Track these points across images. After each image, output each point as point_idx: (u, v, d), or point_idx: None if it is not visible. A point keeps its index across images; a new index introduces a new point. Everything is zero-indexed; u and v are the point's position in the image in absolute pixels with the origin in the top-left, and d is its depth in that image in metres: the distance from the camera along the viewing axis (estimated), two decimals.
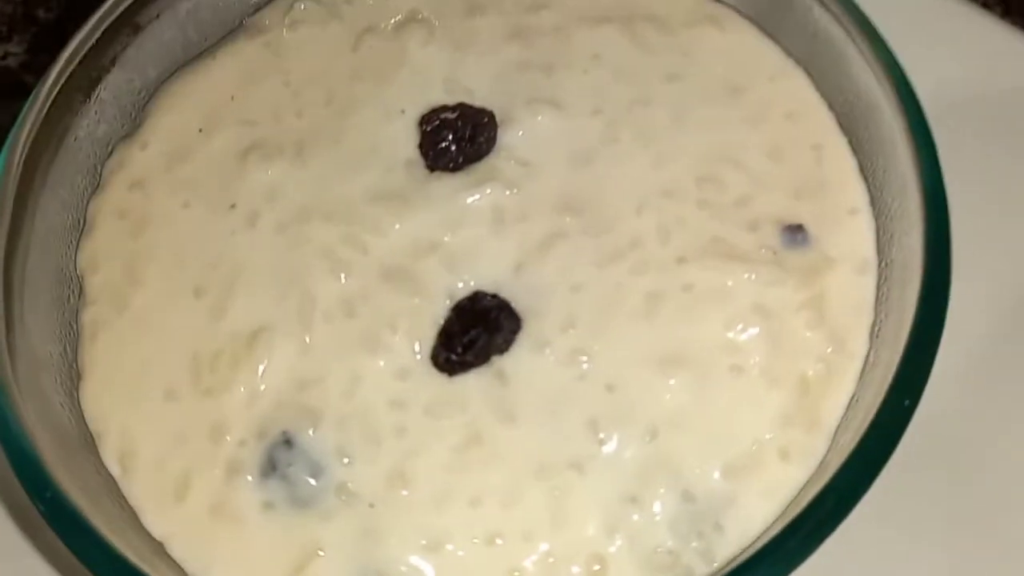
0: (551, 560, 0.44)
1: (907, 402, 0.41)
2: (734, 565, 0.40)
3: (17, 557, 0.53)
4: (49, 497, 0.42)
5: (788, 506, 0.44)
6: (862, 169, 0.52)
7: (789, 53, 0.55)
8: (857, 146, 0.52)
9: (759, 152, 0.53)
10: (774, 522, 0.44)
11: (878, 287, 0.49)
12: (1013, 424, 0.56)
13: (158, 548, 0.46)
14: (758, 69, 0.55)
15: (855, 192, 0.52)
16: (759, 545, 0.40)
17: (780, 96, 0.54)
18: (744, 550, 0.43)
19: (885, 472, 0.48)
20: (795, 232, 0.50)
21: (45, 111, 0.50)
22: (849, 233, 0.51)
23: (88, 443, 0.48)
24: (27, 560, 0.53)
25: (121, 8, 0.53)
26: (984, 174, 0.61)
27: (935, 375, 0.52)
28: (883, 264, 0.50)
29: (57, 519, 0.41)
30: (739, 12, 0.56)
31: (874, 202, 0.51)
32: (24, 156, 0.49)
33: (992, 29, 0.68)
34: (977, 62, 0.66)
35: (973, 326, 0.57)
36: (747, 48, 0.56)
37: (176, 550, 0.46)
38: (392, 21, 0.57)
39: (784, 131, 0.54)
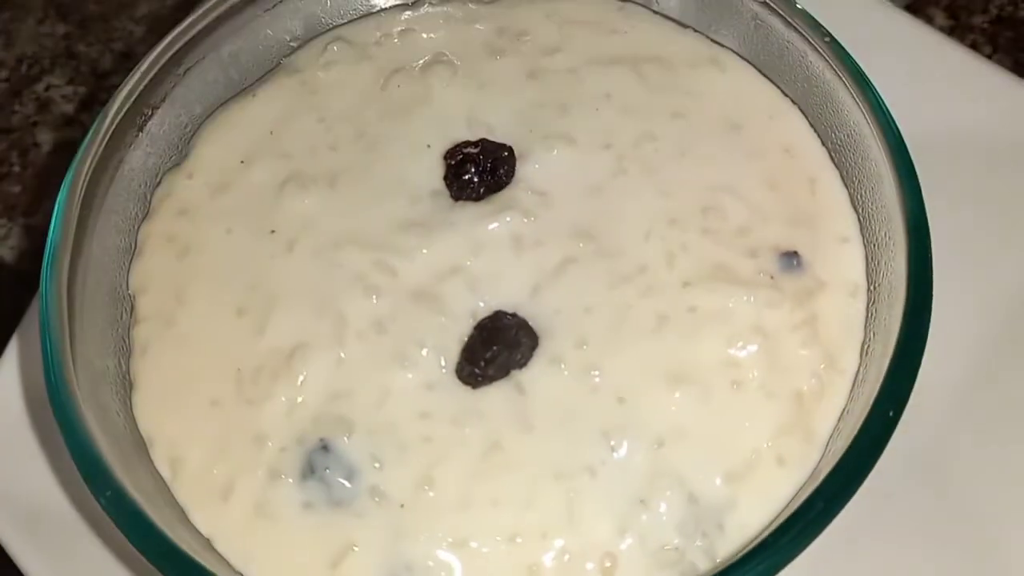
0: (567, 557, 0.48)
1: (891, 412, 0.45)
2: (731, 561, 0.43)
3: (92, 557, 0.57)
4: (109, 494, 0.45)
5: (784, 508, 0.48)
6: (852, 200, 0.56)
7: (785, 93, 0.59)
8: (848, 179, 0.56)
9: (758, 184, 0.57)
10: (771, 522, 0.47)
11: (867, 308, 0.53)
12: (996, 435, 0.59)
13: (206, 543, 0.49)
14: (757, 107, 0.59)
15: (846, 221, 0.56)
16: (755, 543, 0.44)
17: (777, 132, 0.58)
18: (743, 548, 0.46)
19: (877, 482, 0.52)
20: (791, 258, 0.54)
21: (103, 144, 0.54)
22: (841, 259, 0.55)
23: (141, 448, 0.52)
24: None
25: (172, 51, 0.57)
26: (967, 205, 0.65)
27: (923, 389, 0.57)
28: (872, 287, 0.53)
29: (118, 513, 0.45)
30: (739, 55, 0.61)
31: (863, 231, 0.55)
32: (85, 185, 0.53)
33: (978, 69, 0.71)
34: (964, 100, 0.69)
35: (959, 341, 0.61)
36: (746, 88, 0.60)
37: (221, 546, 0.49)
38: (419, 62, 0.61)
39: (781, 165, 0.58)
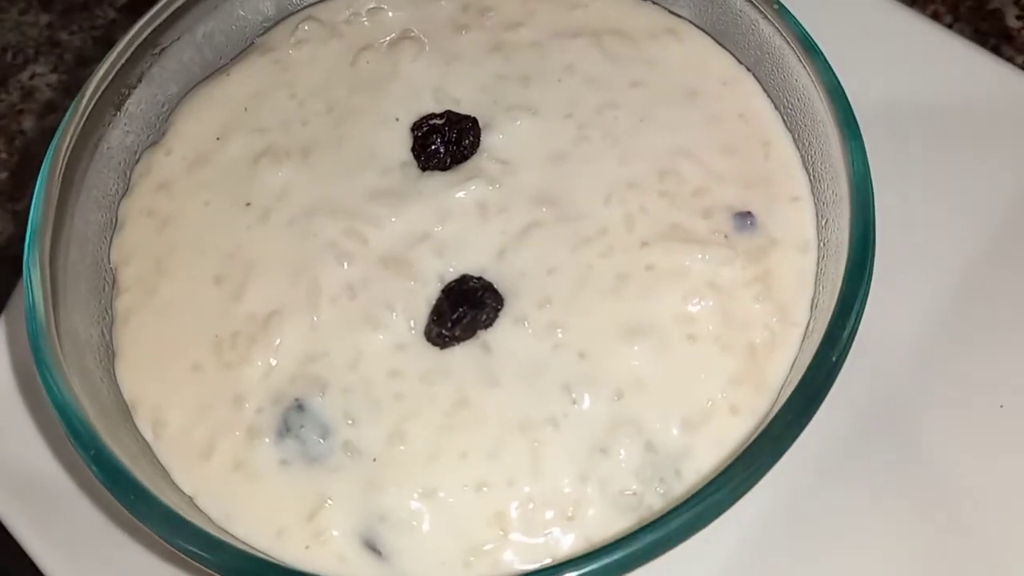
0: (531, 504, 0.50)
1: (834, 358, 0.47)
2: (681, 500, 0.45)
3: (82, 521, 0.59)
4: (94, 453, 0.48)
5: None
6: (804, 161, 0.58)
7: (740, 60, 0.62)
8: (799, 141, 0.58)
9: (714, 148, 0.59)
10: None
11: (817, 264, 0.55)
12: (952, 387, 0.62)
13: (189, 501, 0.52)
14: (713, 75, 0.61)
15: (798, 182, 0.58)
16: (705, 483, 0.46)
17: (732, 99, 0.61)
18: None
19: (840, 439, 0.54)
20: (745, 218, 0.57)
21: (82, 124, 0.56)
22: (792, 218, 0.57)
23: (124, 413, 0.54)
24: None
25: (147, 32, 0.59)
26: (929, 169, 0.67)
27: (879, 347, 0.59)
28: (821, 244, 0.56)
29: (103, 471, 0.47)
30: (695, 25, 0.63)
31: (814, 190, 0.57)
32: (64, 164, 0.55)
33: (939, 38, 0.72)
34: (924, 69, 0.71)
35: (914, 301, 0.63)
36: (702, 56, 0.62)
37: (204, 502, 0.52)
38: (386, 39, 0.64)
39: (736, 129, 0.60)
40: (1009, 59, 0.79)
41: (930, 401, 0.61)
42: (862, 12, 0.73)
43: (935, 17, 0.87)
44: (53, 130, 0.88)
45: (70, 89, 0.91)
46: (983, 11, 0.88)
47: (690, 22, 0.63)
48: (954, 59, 0.71)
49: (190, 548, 0.45)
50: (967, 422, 0.61)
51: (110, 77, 0.58)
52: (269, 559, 0.46)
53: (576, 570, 0.43)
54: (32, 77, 0.93)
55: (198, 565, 0.45)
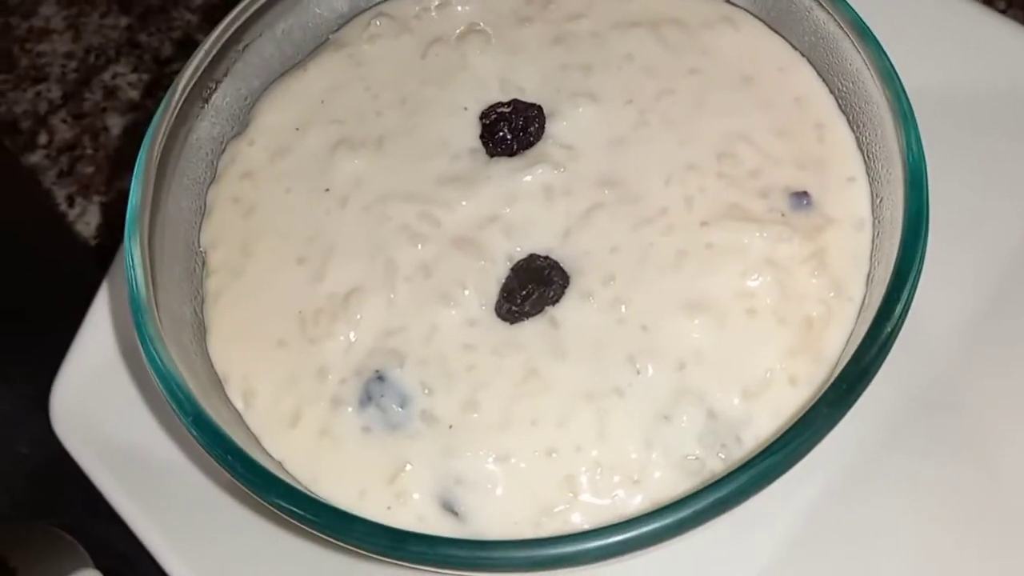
0: (599, 468, 0.53)
1: (889, 329, 0.50)
2: (744, 461, 0.48)
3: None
4: (193, 419, 0.52)
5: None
6: (858, 143, 0.60)
7: (794, 46, 0.64)
8: (853, 123, 0.60)
9: (769, 131, 0.61)
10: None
11: (872, 241, 0.57)
12: (1001, 365, 0.63)
13: (278, 466, 0.55)
14: (768, 61, 0.63)
15: (853, 163, 0.60)
16: (765, 446, 0.48)
17: (787, 83, 0.63)
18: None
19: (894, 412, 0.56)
20: (801, 197, 0.59)
21: (174, 116, 0.60)
22: (847, 197, 0.59)
23: (217, 385, 0.58)
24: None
25: (232, 30, 0.63)
26: (978, 152, 0.69)
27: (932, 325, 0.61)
28: (876, 221, 0.58)
29: (204, 434, 0.51)
30: (750, 12, 0.65)
31: (868, 170, 0.59)
32: (159, 153, 0.59)
33: (991, 23, 0.74)
34: (977, 54, 0.72)
35: (964, 280, 0.65)
36: (758, 43, 0.64)
37: (291, 467, 0.55)
38: (455, 32, 0.67)
39: (791, 113, 0.62)
40: None
41: (980, 381, 0.63)
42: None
43: (988, 2, 0.88)
44: (136, 127, 0.94)
45: (150, 88, 0.97)
46: None
47: (745, 10, 0.65)
48: (1007, 44, 0.72)
49: (283, 504, 0.49)
50: (1016, 401, 0.62)
51: (199, 73, 0.62)
52: (356, 514, 0.49)
53: (642, 527, 0.46)
54: (114, 77, 0.98)
55: (291, 520, 0.49)
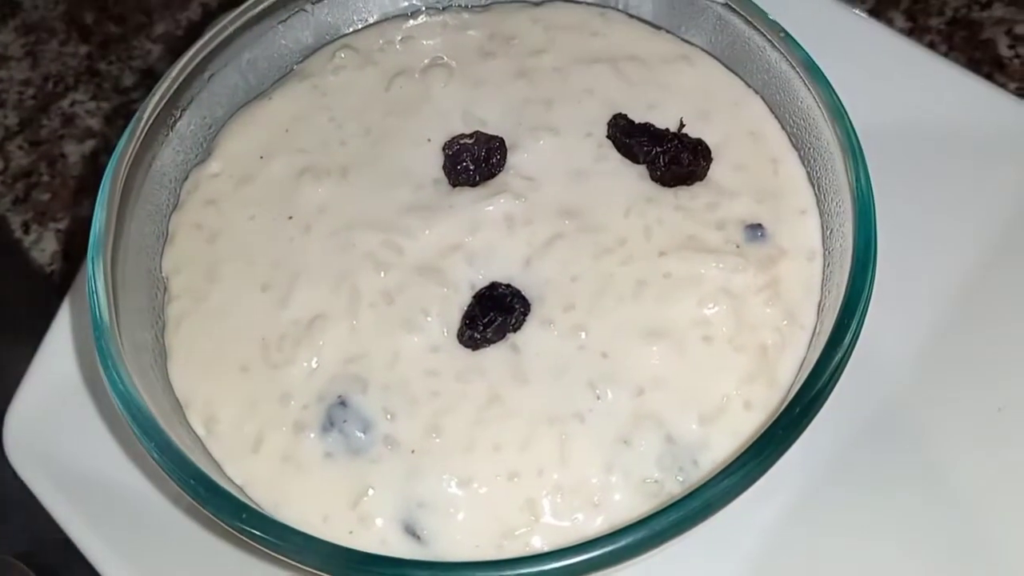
0: (560, 492, 0.53)
1: (839, 357, 0.51)
2: (701, 483, 0.49)
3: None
4: (155, 442, 0.51)
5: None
6: (810, 177, 0.62)
7: (748, 84, 0.66)
8: (805, 158, 0.63)
9: (726, 165, 0.63)
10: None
11: (823, 271, 0.59)
12: (950, 391, 0.65)
13: (240, 491, 0.55)
14: (723, 97, 0.66)
15: (805, 196, 0.62)
16: (721, 468, 0.49)
17: (742, 119, 0.65)
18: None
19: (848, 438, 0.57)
20: (755, 229, 0.61)
21: (138, 143, 0.60)
22: (800, 229, 0.61)
23: (178, 410, 0.58)
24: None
25: (198, 60, 0.64)
26: (927, 188, 0.71)
27: (881, 355, 0.63)
28: (827, 252, 0.60)
29: (165, 457, 0.51)
30: (706, 51, 0.67)
31: (819, 203, 0.61)
32: (123, 180, 0.59)
33: (935, 66, 0.77)
34: (922, 95, 0.75)
35: (913, 311, 0.67)
36: (714, 80, 0.66)
37: (254, 492, 0.55)
38: (419, 65, 0.68)
39: (747, 148, 0.64)
40: (1002, 85, 0.83)
41: (931, 405, 0.65)
42: (863, 40, 0.78)
43: (931, 47, 0.92)
44: (94, 155, 0.94)
45: (109, 116, 0.96)
46: (976, 40, 0.93)
47: (701, 49, 0.68)
48: (950, 85, 0.75)
49: (248, 528, 0.49)
50: (966, 424, 0.64)
51: (164, 100, 0.62)
52: (320, 537, 0.49)
53: (601, 547, 0.47)
54: (72, 104, 0.98)
55: (255, 544, 0.49)
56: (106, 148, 0.93)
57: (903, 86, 0.76)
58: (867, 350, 0.53)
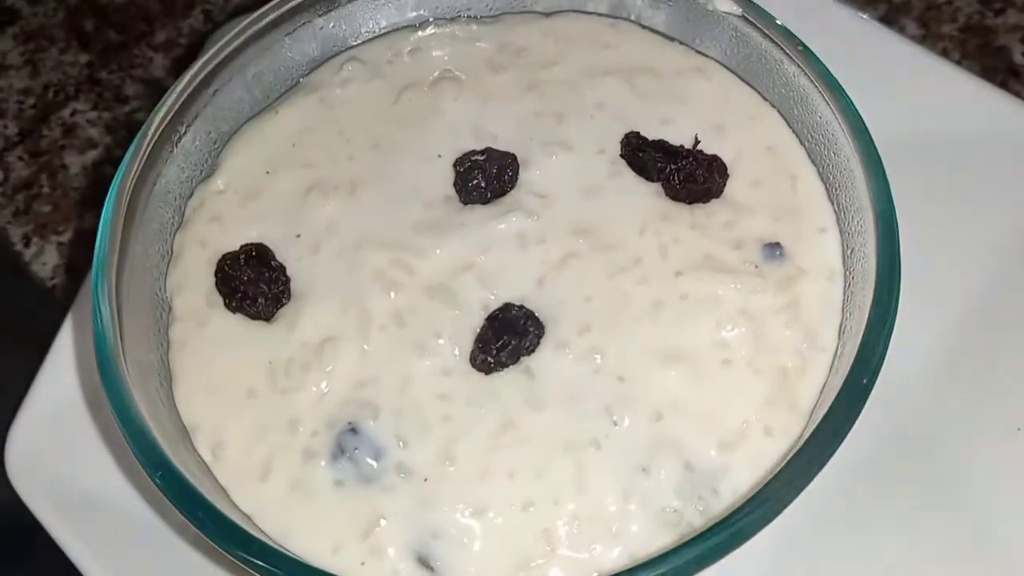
0: (577, 521, 0.52)
1: (865, 380, 0.50)
2: (723, 517, 0.48)
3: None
4: (161, 473, 0.50)
5: (771, 472, 0.52)
6: (829, 194, 0.61)
7: (765, 97, 0.65)
8: (824, 175, 0.61)
9: (744, 182, 0.62)
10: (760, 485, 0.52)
11: (844, 291, 0.58)
12: (970, 412, 0.64)
13: (247, 520, 0.54)
14: (739, 111, 0.64)
15: (824, 213, 0.61)
16: (745, 499, 0.48)
17: (759, 133, 0.64)
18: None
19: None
20: (774, 248, 0.59)
21: (143, 160, 0.59)
22: (819, 248, 0.59)
23: (184, 435, 0.56)
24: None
25: (202, 75, 0.62)
26: (941, 199, 0.70)
27: (901, 373, 0.62)
28: (848, 272, 0.58)
29: (170, 486, 0.49)
30: (721, 63, 0.66)
31: (839, 221, 0.60)
32: (128, 199, 0.58)
33: (948, 74, 0.76)
34: (935, 103, 0.74)
35: (934, 328, 0.66)
36: (729, 93, 0.65)
37: (261, 521, 0.54)
38: (428, 79, 0.67)
39: (764, 163, 0.63)
40: (1016, 94, 0.82)
41: (948, 423, 0.64)
42: (875, 47, 0.76)
43: (944, 54, 0.91)
44: (96, 165, 0.92)
45: (110, 126, 0.95)
46: (990, 48, 0.91)
47: (716, 61, 0.66)
48: (963, 93, 0.74)
49: (255, 561, 0.47)
50: (986, 444, 0.63)
51: (169, 117, 0.61)
52: (330, 572, 0.48)
53: None
54: (73, 114, 0.96)
55: None
56: (108, 159, 0.92)
57: (915, 94, 0.74)
58: (887, 369, 0.52)
